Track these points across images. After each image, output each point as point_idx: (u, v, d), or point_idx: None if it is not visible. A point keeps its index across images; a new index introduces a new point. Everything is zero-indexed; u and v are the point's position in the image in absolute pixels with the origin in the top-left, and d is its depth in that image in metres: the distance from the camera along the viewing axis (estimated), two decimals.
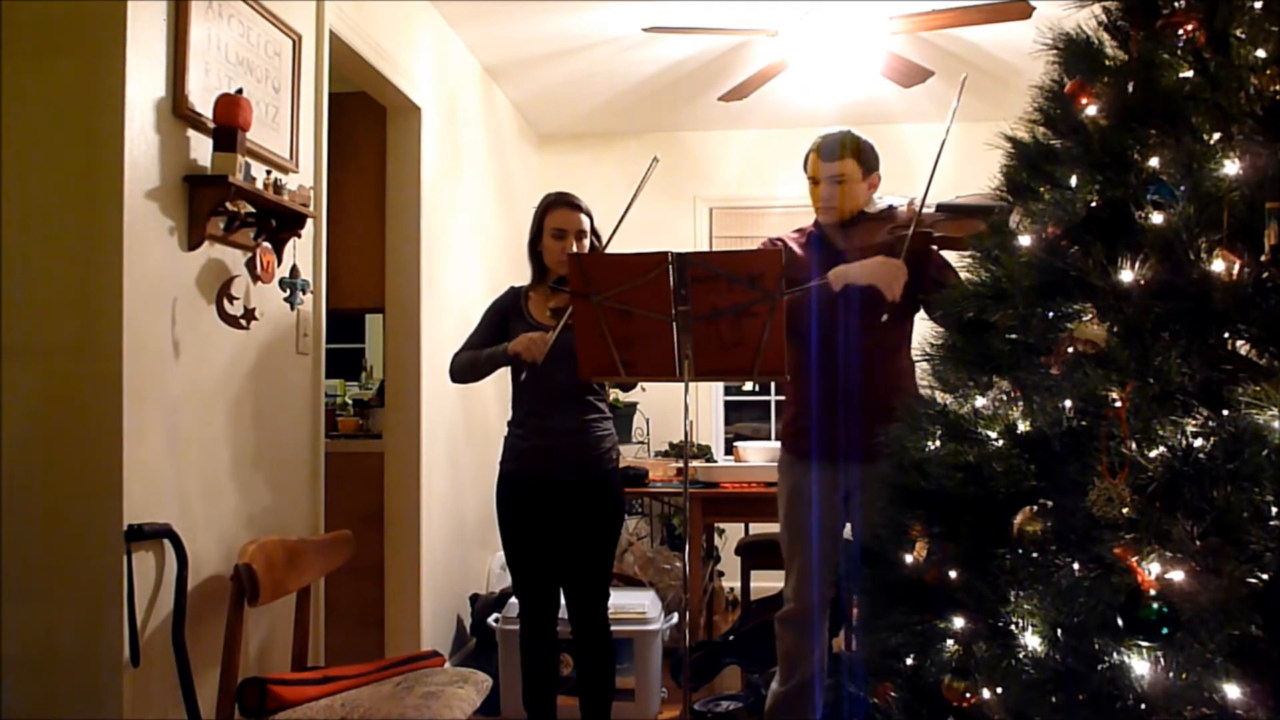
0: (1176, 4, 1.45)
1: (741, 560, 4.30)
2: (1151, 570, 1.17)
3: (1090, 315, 1.39)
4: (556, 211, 2.81)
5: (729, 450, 5.23)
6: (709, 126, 5.61)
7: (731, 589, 5.20)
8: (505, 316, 2.86)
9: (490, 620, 3.67)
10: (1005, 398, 1.55)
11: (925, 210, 2.50)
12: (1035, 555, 1.36)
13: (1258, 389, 1.18)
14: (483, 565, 4.53)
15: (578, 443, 2.75)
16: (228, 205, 2.23)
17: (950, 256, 2.58)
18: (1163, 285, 1.31)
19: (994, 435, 1.49)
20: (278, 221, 2.45)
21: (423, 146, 3.78)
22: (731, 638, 3.69)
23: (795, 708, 2.62)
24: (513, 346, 2.66)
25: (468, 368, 2.83)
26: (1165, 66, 1.41)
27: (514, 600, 3.20)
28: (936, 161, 2.45)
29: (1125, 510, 1.21)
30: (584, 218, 2.81)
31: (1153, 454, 1.23)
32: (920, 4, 3.72)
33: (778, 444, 4.79)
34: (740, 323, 2.33)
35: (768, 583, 4.04)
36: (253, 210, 2.35)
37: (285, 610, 2.52)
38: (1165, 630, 1.14)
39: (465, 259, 4.33)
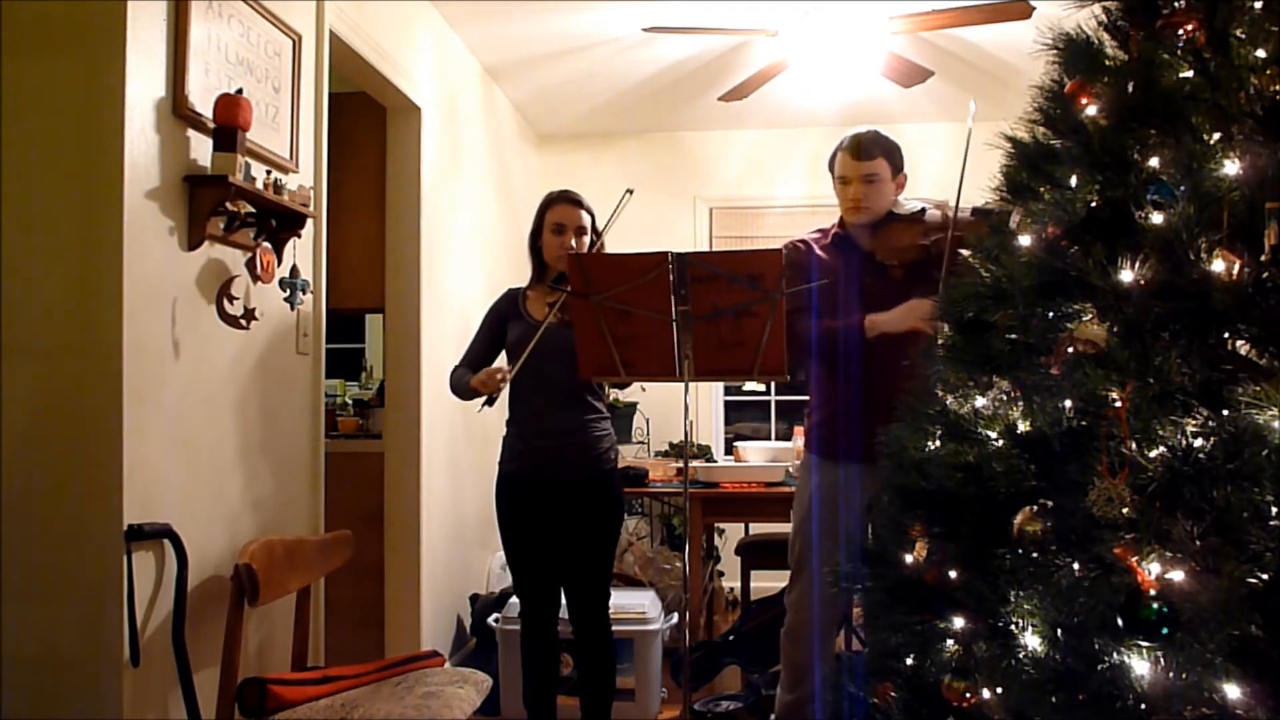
0: (1176, 4, 1.45)
1: (741, 560, 4.30)
2: (1151, 570, 1.17)
3: (1090, 315, 1.38)
4: (557, 207, 2.82)
5: (729, 450, 5.23)
6: (709, 126, 5.61)
7: (731, 589, 5.20)
8: (503, 320, 2.87)
9: (490, 620, 3.67)
10: (1005, 398, 1.55)
11: (961, 215, 2.48)
12: (1035, 555, 1.36)
13: (1258, 389, 1.18)
14: (483, 565, 4.53)
15: (576, 443, 2.75)
16: (228, 205, 2.23)
17: None
18: (1163, 285, 1.31)
19: (994, 435, 1.49)
20: (278, 221, 2.45)
21: (423, 146, 3.78)
22: (731, 638, 3.69)
23: (803, 716, 2.62)
24: (473, 383, 2.69)
25: (457, 390, 2.85)
26: (1165, 66, 1.41)
27: (514, 600, 3.21)
28: (963, 173, 2.41)
29: (1125, 510, 1.21)
30: (585, 215, 2.81)
31: (1153, 454, 1.22)
32: (920, 4, 3.72)
33: (778, 444, 4.82)
34: (740, 323, 2.33)
35: (768, 583, 4.04)
36: (253, 210, 2.35)
37: (285, 610, 2.52)
38: (1165, 630, 1.14)
39: (465, 259, 4.33)
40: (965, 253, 2.47)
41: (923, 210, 2.59)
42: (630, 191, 2.68)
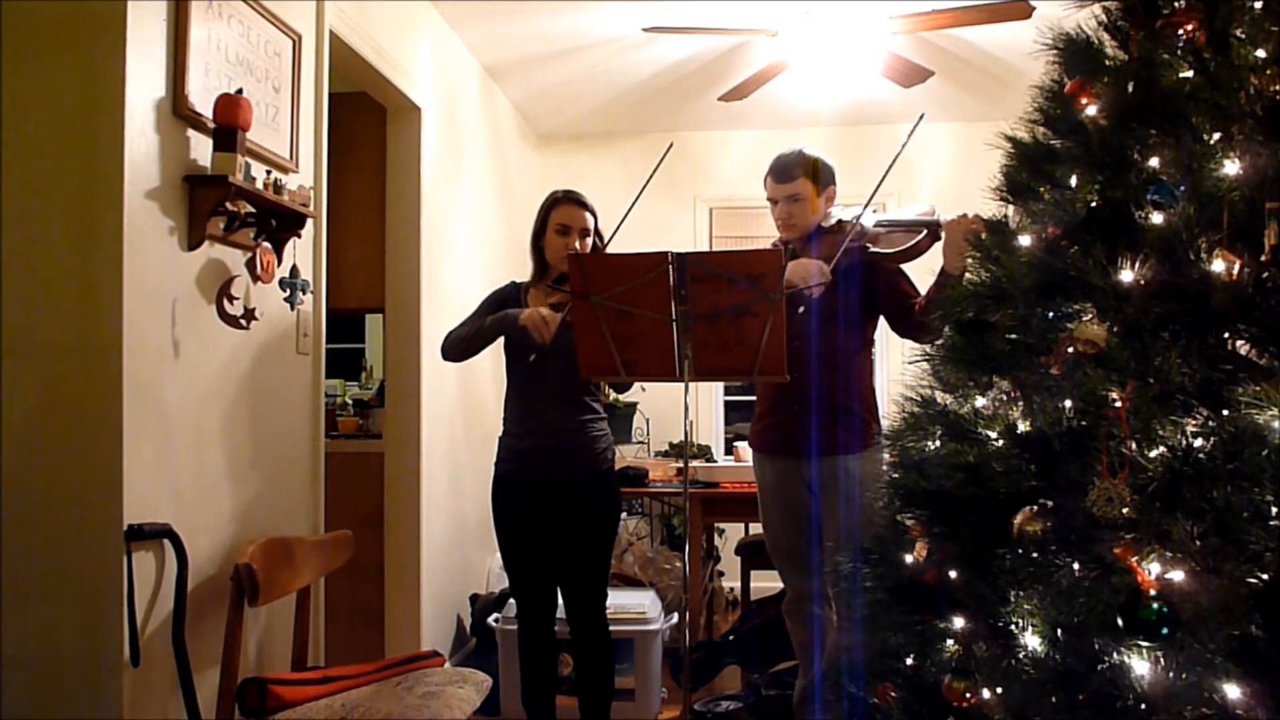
0: (1176, 4, 1.45)
1: (741, 560, 4.30)
2: (1151, 570, 1.17)
3: (1090, 315, 1.39)
4: (562, 207, 2.81)
5: (729, 450, 5.23)
6: (709, 126, 5.61)
7: (731, 589, 5.20)
8: (504, 306, 2.85)
9: (490, 620, 3.67)
10: (1005, 398, 1.55)
11: (868, 225, 2.69)
12: (1035, 555, 1.36)
13: (1258, 389, 1.18)
14: (483, 565, 4.53)
15: (573, 443, 2.75)
16: (228, 205, 2.23)
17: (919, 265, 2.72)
18: (1163, 285, 1.31)
19: (994, 435, 1.49)
20: (278, 221, 2.45)
21: (423, 146, 3.78)
22: (731, 638, 3.69)
23: (813, 704, 2.69)
24: (524, 317, 2.59)
25: (466, 339, 2.76)
26: (1165, 66, 1.41)
27: (514, 600, 3.21)
28: (879, 185, 2.61)
29: (1125, 510, 1.21)
30: (589, 215, 2.81)
31: (1153, 454, 1.23)
32: (920, 4, 3.72)
33: None
34: (740, 323, 2.33)
35: (768, 583, 4.03)
36: (253, 210, 2.35)
37: (285, 610, 2.52)
38: (1165, 630, 1.14)
39: (465, 259, 4.33)
40: (876, 259, 2.65)
41: (840, 222, 2.76)
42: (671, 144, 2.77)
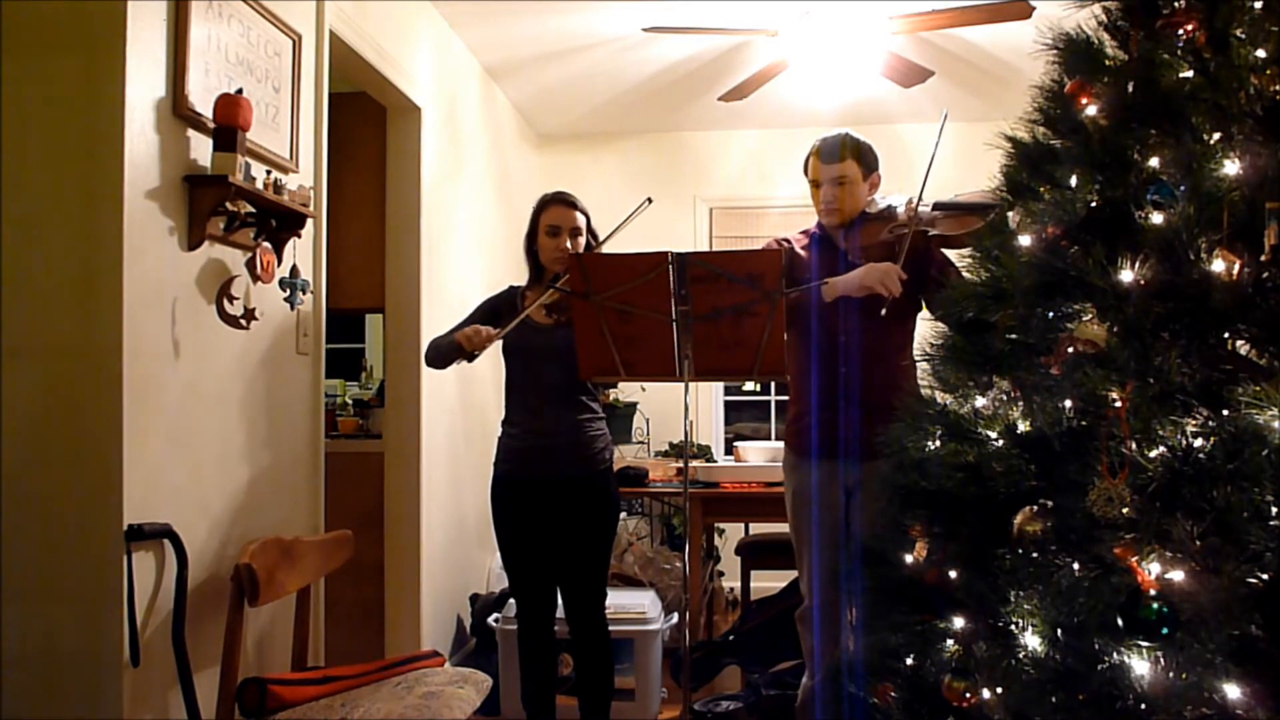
0: (1176, 4, 1.45)
1: (741, 560, 4.30)
2: (1151, 570, 1.17)
3: (1090, 315, 1.39)
4: (551, 208, 2.81)
5: (729, 450, 5.23)
6: (709, 126, 5.61)
7: (731, 589, 5.19)
8: (497, 313, 2.86)
9: (490, 620, 3.67)
10: (1005, 398, 1.55)
11: (923, 209, 2.54)
12: (1035, 555, 1.36)
13: (1258, 389, 1.18)
14: (483, 565, 4.53)
15: (571, 442, 2.75)
16: (228, 205, 2.23)
17: (952, 254, 2.60)
18: (1163, 285, 1.31)
19: (994, 435, 1.49)
20: (278, 221, 2.45)
21: (423, 146, 3.78)
22: (731, 638, 3.69)
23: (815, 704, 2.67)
24: (458, 335, 2.65)
25: (435, 355, 2.82)
26: (1165, 66, 1.41)
27: (514, 600, 3.21)
28: (930, 162, 2.50)
29: (1125, 510, 1.22)
30: (579, 215, 2.81)
31: (1153, 454, 1.23)
32: (920, 4, 3.72)
33: (778, 444, 4.81)
34: (740, 323, 2.33)
35: (768, 583, 4.04)
36: (253, 210, 2.35)
37: (285, 610, 2.52)
38: (1165, 630, 1.14)
39: (465, 259, 4.33)
40: (933, 245, 2.55)
41: (890, 207, 2.64)
42: (649, 200, 2.68)
